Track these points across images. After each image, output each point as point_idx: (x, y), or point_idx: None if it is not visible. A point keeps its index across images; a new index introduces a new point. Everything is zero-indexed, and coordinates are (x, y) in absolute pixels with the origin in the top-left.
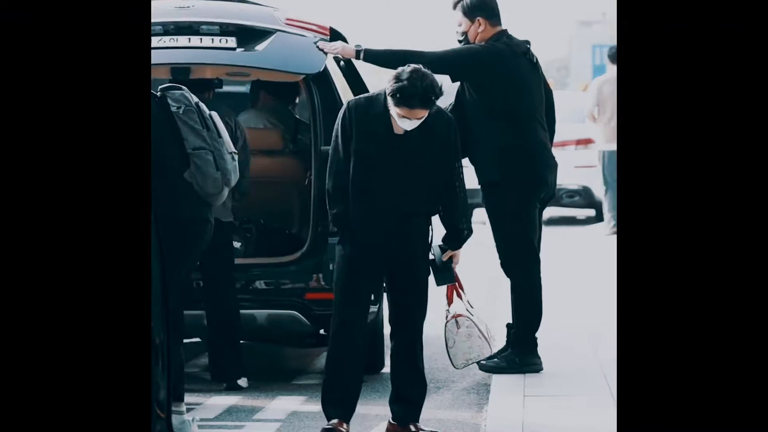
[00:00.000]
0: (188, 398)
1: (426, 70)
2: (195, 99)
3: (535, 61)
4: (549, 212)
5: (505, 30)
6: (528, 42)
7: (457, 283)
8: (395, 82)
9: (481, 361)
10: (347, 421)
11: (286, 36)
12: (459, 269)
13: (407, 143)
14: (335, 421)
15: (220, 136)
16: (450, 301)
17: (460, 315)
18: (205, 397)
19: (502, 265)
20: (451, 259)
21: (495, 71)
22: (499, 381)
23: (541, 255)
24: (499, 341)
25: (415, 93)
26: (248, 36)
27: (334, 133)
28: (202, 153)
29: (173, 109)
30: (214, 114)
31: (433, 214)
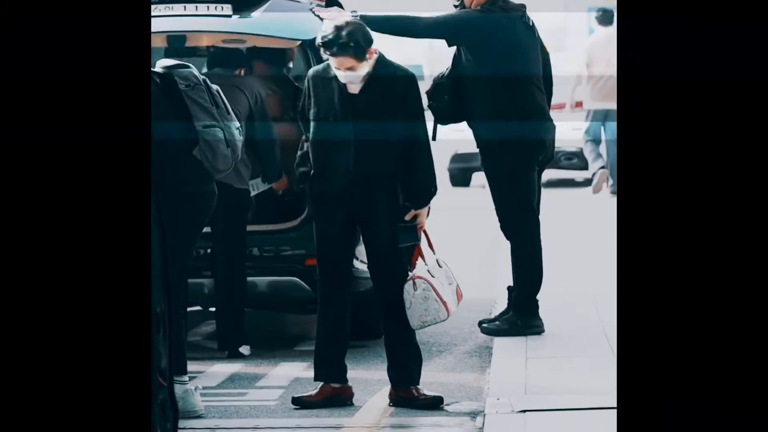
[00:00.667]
0: (190, 366)
1: (353, 20)
2: (201, 76)
3: (531, 24)
4: (548, 174)
5: None
6: (524, 6)
7: (421, 244)
8: (320, 33)
9: (483, 324)
10: (341, 382)
11: (282, 2)
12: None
13: (362, 103)
14: (336, 385)
15: (228, 112)
16: (412, 263)
17: (418, 277)
18: (207, 365)
19: (502, 227)
20: (415, 218)
21: (491, 35)
22: (501, 343)
23: (541, 217)
24: (501, 304)
25: (335, 40)
26: (243, 3)
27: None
28: (213, 130)
29: (181, 86)
30: (219, 89)
31: (396, 174)
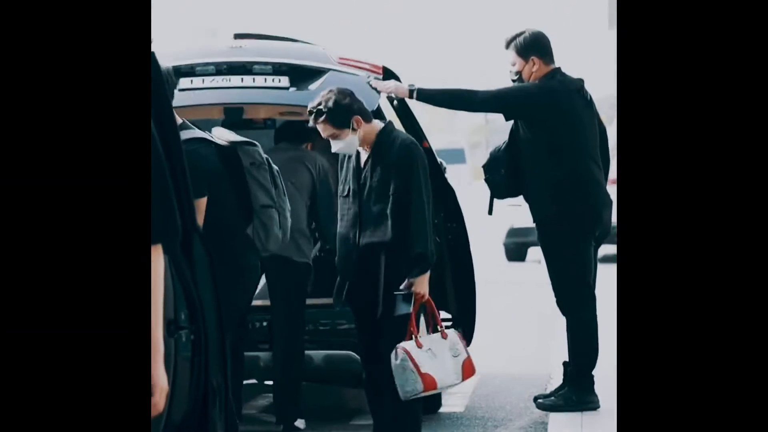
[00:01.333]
0: None
1: (341, 89)
2: (265, 155)
3: (588, 98)
4: (604, 249)
5: (559, 68)
6: (581, 80)
7: (420, 313)
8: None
9: (539, 400)
10: None
11: (339, 75)
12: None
13: (366, 173)
14: None
15: (284, 194)
16: (408, 333)
17: (401, 347)
18: None
19: (558, 302)
20: (412, 288)
21: (548, 109)
22: (556, 419)
23: (597, 292)
24: (556, 379)
25: (313, 108)
26: (301, 75)
27: None
28: (270, 211)
29: (245, 163)
30: (279, 170)
31: (393, 243)
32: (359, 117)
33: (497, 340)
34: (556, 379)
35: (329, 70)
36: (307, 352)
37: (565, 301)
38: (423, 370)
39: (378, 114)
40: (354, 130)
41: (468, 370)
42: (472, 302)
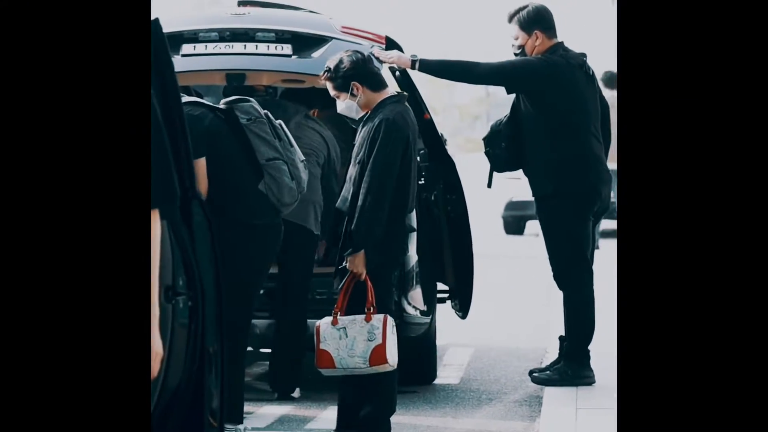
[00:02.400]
0: None
1: (353, 52)
2: (263, 110)
3: (591, 73)
4: (603, 225)
5: (561, 42)
6: (584, 54)
7: (342, 293)
8: None
9: (534, 374)
10: None
11: (342, 44)
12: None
13: (356, 140)
14: None
15: (291, 145)
16: (336, 308)
17: (319, 322)
18: (256, 406)
19: (555, 277)
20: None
21: (551, 83)
22: (551, 393)
23: (594, 267)
24: (552, 354)
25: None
26: (304, 43)
27: None
28: (277, 163)
29: (243, 121)
30: (282, 123)
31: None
32: (358, 83)
33: (494, 313)
34: (552, 354)
35: (332, 38)
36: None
37: (562, 276)
38: (321, 347)
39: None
40: (353, 95)
41: (376, 356)
42: (469, 274)
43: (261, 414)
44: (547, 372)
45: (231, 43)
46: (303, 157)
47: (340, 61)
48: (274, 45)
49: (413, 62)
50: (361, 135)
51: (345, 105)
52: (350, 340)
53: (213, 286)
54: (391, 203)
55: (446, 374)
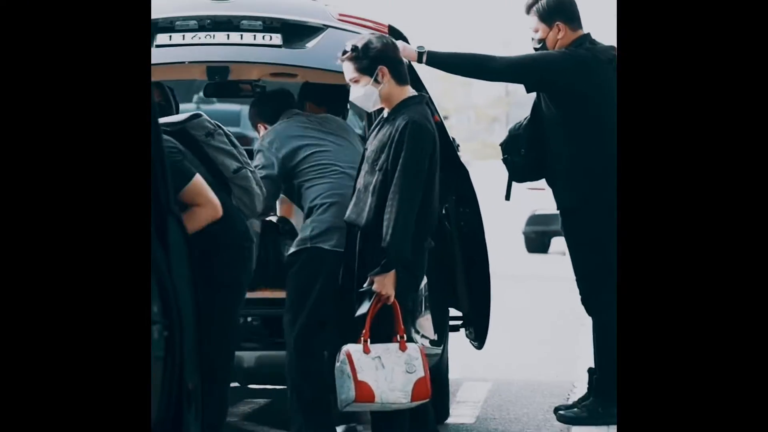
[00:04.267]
0: None
1: (372, 33)
2: (213, 121)
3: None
4: None
5: (588, 34)
6: (614, 48)
7: (369, 318)
8: None
9: (560, 411)
10: None
11: (338, 33)
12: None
13: (370, 139)
14: None
15: (244, 153)
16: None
17: (346, 349)
18: None
19: (583, 300)
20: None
21: (576, 81)
22: None
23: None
24: (580, 388)
25: (345, 49)
26: (295, 32)
27: None
28: (243, 172)
29: (200, 137)
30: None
31: (369, 227)
32: (386, 69)
33: (514, 342)
34: (581, 388)
35: (327, 27)
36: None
37: (591, 299)
38: (360, 378)
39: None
40: (377, 81)
41: (420, 390)
42: (486, 299)
43: None
44: (575, 409)
45: (212, 33)
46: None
47: (369, 41)
48: (262, 35)
49: (420, 54)
50: (378, 138)
51: (364, 92)
52: (388, 371)
53: (192, 313)
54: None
55: (460, 412)
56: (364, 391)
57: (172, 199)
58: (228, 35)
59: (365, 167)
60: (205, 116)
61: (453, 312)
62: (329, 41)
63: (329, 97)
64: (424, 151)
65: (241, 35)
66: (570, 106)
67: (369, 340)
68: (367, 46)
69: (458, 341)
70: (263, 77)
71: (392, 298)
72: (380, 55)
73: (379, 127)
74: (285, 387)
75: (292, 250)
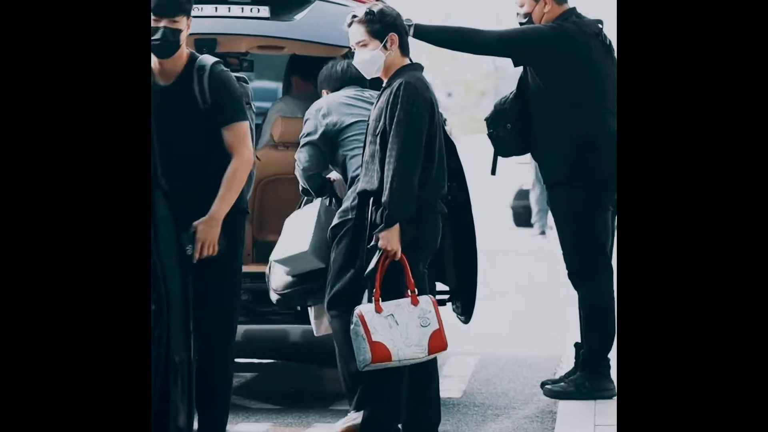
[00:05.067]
0: None
1: (380, 2)
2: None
3: (608, 43)
4: None
5: (574, 8)
6: (600, 21)
7: (378, 276)
8: None
9: (547, 386)
10: None
11: (326, 5)
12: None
13: (372, 109)
14: None
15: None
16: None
17: (359, 311)
18: (231, 423)
19: (570, 275)
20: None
21: (563, 55)
22: (566, 408)
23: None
24: (567, 363)
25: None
26: (283, 5)
27: None
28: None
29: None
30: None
31: (376, 190)
32: (396, 37)
33: (501, 317)
34: (567, 363)
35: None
36: (282, 326)
37: (578, 274)
38: (374, 338)
39: None
40: (385, 48)
41: (436, 342)
42: (473, 273)
43: None
44: (562, 384)
45: (199, 6)
46: None
47: (384, 8)
48: (249, 7)
49: (407, 27)
50: (377, 105)
51: (370, 56)
52: (402, 327)
53: (179, 287)
54: (421, 177)
55: (447, 386)
56: (380, 352)
57: (159, 172)
58: (216, 8)
59: (368, 138)
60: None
61: (440, 286)
62: (317, 14)
63: (317, 71)
64: (419, 108)
65: (229, 8)
66: (557, 79)
67: (380, 299)
68: (382, 11)
69: (445, 315)
70: (251, 50)
71: (399, 254)
72: (394, 23)
73: (378, 96)
74: (271, 361)
75: (335, 222)
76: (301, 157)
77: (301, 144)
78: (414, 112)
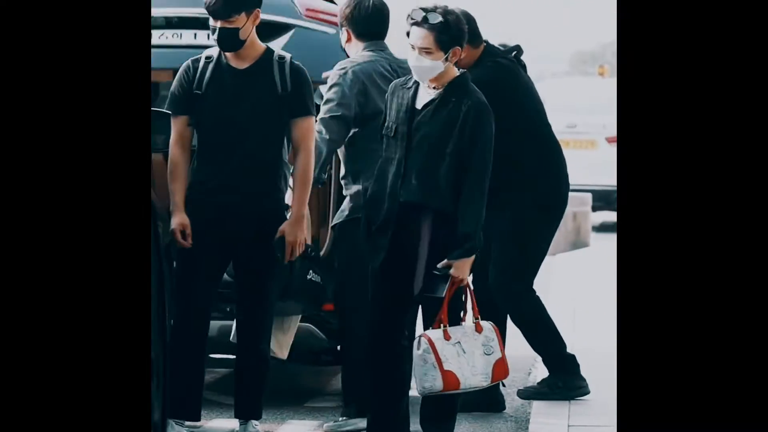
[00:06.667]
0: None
1: (454, 9)
2: None
3: (524, 65)
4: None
5: (488, 44)
6: (518, 46)
7: (446, 301)
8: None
9: (520, 388)
10: None
11: (306, 32)
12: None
13: (424, 117)
14: None
15: None
16: (437, 321)
17: (425, 335)
18: (205, 418)
19: (495, 291)
20: (449, 269)
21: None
22: (539, 408)
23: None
24: (542, 364)
25: (427, 10)
26: (263, 31)
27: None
28: None
29: None
30: None
31: (446, 211)
32: (459, 50)
33: None
34: (542, 364)
35: (295, 26)
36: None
37: (504, 290)
38: (446, 367)
39: None
40: (446, 60)
41: (500, 371)
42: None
43: (210, 429)
44: (535, 385)
45: (179, 31)
46: None
47: (459, 18)
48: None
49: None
50: (436, 119)
51: (431, 65)
52: (469, 356)
53: (155, 281)
54: None
55: None
56: (451, 381)
57: None
58: (195, 34)
59: (421, 146)
60: None
61: None
62: (298, 41)
63: None
64: (492, 134)
65: (208, 35)
66: (512, 114)
67: (444, 326)
68: (458, 21)
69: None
70: None
71: (465, 281)
72: (462, 36)
73: (429, 104)
74: None
75: (341, 219)
76: (333, 126)
77: (329, 113)
78: (492, 141)
